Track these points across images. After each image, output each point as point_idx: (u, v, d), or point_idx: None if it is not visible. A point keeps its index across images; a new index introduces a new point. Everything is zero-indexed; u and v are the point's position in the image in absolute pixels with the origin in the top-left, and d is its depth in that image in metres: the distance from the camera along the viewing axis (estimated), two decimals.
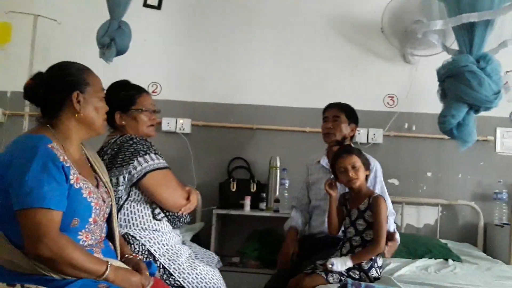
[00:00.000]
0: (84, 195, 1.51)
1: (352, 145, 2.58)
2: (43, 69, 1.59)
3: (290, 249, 2.49)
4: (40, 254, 1.36)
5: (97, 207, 1.56)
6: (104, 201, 1.61)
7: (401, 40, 3.36)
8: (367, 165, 2.18)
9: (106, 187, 1.68)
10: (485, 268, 2.52)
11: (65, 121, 1.55)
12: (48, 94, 1.53)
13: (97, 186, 1.63)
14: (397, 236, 2.31)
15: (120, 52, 3.06)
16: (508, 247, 2.81)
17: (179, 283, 1.92)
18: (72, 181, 1.47)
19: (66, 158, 1.48)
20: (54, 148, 1.45)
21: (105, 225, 1.64)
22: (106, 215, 1.64)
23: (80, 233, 1.50)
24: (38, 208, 1.36)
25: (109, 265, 1.45)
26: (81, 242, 1.49)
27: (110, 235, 1.68)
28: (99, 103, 1.61)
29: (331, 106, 2.68)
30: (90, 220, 1.53)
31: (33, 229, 1.36)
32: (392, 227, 2.39)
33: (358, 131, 3.29)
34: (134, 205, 1.98)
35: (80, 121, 1.57)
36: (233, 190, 3.27)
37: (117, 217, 1.77)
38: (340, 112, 2.62)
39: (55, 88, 1.53)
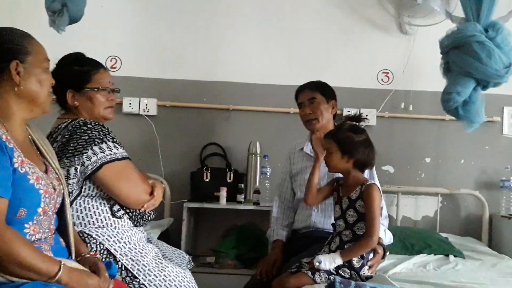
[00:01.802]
0: (31, 181, 1.48)
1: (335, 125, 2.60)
2: None
3: (276, 259, 2.50)
4: None
5: (47, 195, 1.52)
6: (54, 189, 1.58)
7: (398, 7, 3.38)
8: (350, 152, 2.14)
9: (56, 173, 1.65)
10: (490, 265, 2.58)
11: (4, 96, 1.52)
12: None
13: (46, 172, 1.60)
14: (383, 241, 2.30)
15: (73, 20, 2.99)
16: None
17: (144, 287, 1.91)
18: (16, 165, 1.44)
19: (8, 138, 1.45)
20: None
21: (55, 216, 1.61)
22: (57, 205, 1.61)
23: (26, 225, 1.47)
24: None
25: (62, 265, 1.42)
26: (27, 236, 1.46)
27: (61, 230, 1.65)
28: (42, 75, 1.57)
29: (302, 89, 2.67)
30: (39, 210, 1.50)
31: None
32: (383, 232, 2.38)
33: (348, 111, 3.33)
34: (88, 201, 1.95)
35: (20, 95, 1.53)
36: (207, 180, 3.26)
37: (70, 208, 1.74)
38: (315, 92, 2.60)
39: None
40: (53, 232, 1.59)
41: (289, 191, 2.72)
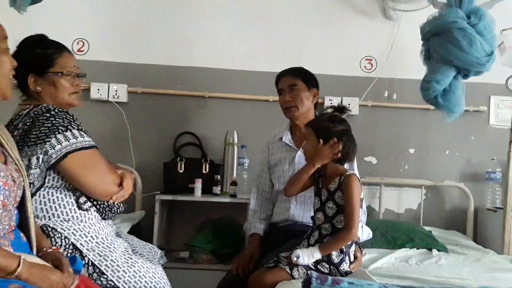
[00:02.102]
0: None
1: (317, 114, 2.62)
2: None
3: (253, 254, 2.50)
4: None
5: (6, 188, 1.51)
6: (14, 181, 1.56)
7: None
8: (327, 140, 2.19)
9: (16, 164, 1.63)
10: (474, 259, 2.63)
11: None
12: None
13: (5, 163, 1.58)
14: (359, 240, 2.33)
15: (36, 0, 2.94)
16: (501, 234, 2.91)
17: (112, 283, 1.90)
18: None
19: None
20: None
21: (16, 212, 1.60)
22: (18, 199, 1.60)
23: None
24: None
25: (21, 260, 1.41)
26: None
27: (22, 224, 1.63)
28: (1, 58, 1.55)
29: (283, 75, 2.68)
30: None
31: None
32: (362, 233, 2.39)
33: (330, 100, 3.35)
34: (52, 192, 1.93)
35: None
36: (181, 171, 3.25)
37: (31, 202, 1.71)
38: (296, 79, 2.61)
39: None
40: (14, 227, 1.58)
41: (268, 183, 2.73)
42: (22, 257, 1.42)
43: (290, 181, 2.31)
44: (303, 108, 2.59)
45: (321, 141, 2.18)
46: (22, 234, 1.61)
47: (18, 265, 1.40)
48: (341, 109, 2.30)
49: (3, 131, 1.68)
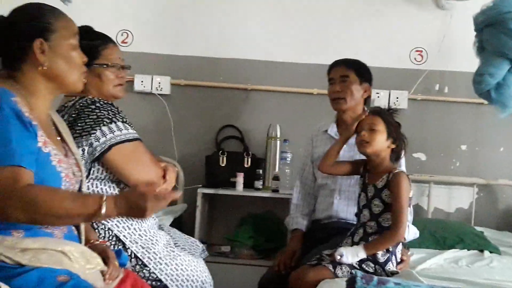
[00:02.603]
0: (53, 163, 1.52)
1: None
2: None
3: (295, 250, 2.52)
4: (10, 215, 1.37)
5: (67, 180, 1.56)
6: (74, 174, 1.62)
7: None
8: (394, 137, 2.17)
9: (75, 159, 1.68)
10: None
11: (29, 75, 1.55)
12: (8, 42, 1.53)
13: (66, 156, 1.63)
14: (409, 251, 2.32)
15: None
16: None
17: (154, 276, 1.95)
18: (40, 144, 1.48)
19: (31, 116, 1.49)
20: (18, 102, 1.47)
21: None
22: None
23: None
24: (6, 166, 1.37)
25: (104, 199, 1.44)
26: None
27: None
28: (70, 53, 1.59)
29: (336, 64, 2.66)
30: None
31: (3, 191, 1.36)
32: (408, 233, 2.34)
33: (377, 93, 3.32)
34: (97, 184, 1.98)
35: (46, 75, 1.56)
36: (223, 165, 3.28)
37: None
38: (349, 71, 2.60)
39: (15, 35, 1.54)
40: None
41: (310, 177, 2.73)
42: (104, 197, 1.45)
43: (324, 156, 2.34)
44: (352, 102, 2.57)
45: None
46: (73, 228, 1.65)
47: (101, 206, 1.43)
48: (393, 111, 2.27)
49: (62, 124, 1.73)
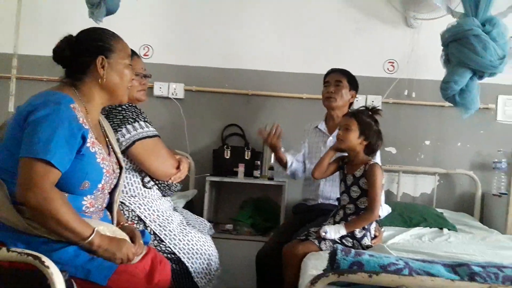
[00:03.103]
0: (98, 160, 1.55)
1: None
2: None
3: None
4: (27, 201, 1.37)
5: (108, 175, 1.59)
6: (114, 171, 1.64)
7: (404, 3, 3.32)
8: (366, 134, 2.16)
9: (117, 157, 1.70)
10: (480, 238, 2.56)
11: (89, 85, 1.59)
12: (74, 57, 1.57)
13: (109, 155, 1.65)
14: (382, 229, 2.32)
15: (110, 12, 3.01)
16: (505, 216, 2.84)
17: (170, 249, 1.96)
18: (88, 144, 1.51)
19: (85, 121, 1.52)
20: (75, 109, 1.49)
21: (108, 196, 1.67)
22: (111, 186, 1.67)
23: (85, 198, 1.53)
24: (40, 159, 1.38)
25: (95, 230, 1.46)
26: (83, 209, 1.52)
27: (109, 206, 1.70)
28: (124, 70, 1.64)
29: (333, 71, 2.71)
30: (99, 186, 1.56)
31: (28, 177, 1.38)
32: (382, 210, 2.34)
33: (356, 98, 3.30)
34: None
35: (103, 86, 1.60)
36: (227, 157, 3.28)
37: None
38: (343, 77, 2.64)
39: (81, 51, 1.58)
40: (104, 208, 1.65)
41: (300, 157, 2.73)
42: (96, 229, 1.47)
43: (316, 165, 2.29)
44: (340, 102, 2.61)
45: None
46: (108, 213, 1.68)
47: (92, 233, 1.45)
48: (375, 111, 2.26)
49: (109, 128, 1.75)
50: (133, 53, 2.14)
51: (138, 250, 1.58)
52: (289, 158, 2.64)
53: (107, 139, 1.69)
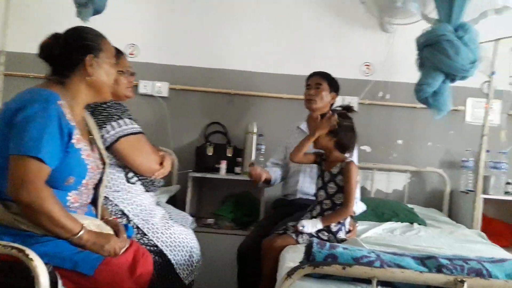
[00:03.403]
0: (83, 156, 1.53)
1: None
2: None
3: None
4: (20, 199, 1.36)
5: (92, 171, 1.58)
6: (98, 167, 1.62)
7: (380, 9, 3.34)
8: (333, 133, 2.17)
9: (100, 153, 1.68)
10: (448, 232, 2.60)
11: (76, 83, 1.57)
12: (63, 54, 1.55)
13: (92, 151, 1.63)
14: (356, 223, 2.34)
15: (97, 11, 2.95)
16: (471, 212, 2.90)
17: (152, 242, 1.94)
18: (74, 141, 1.49)
19: (71, 117, 1.50)
20: (62, 105, 1.47)
21: (93, 191, 1.66)
22: (96, 182, 1.65)
23: (70, 194, 1.51)
24: (32, 156, 1.37)
25: (84, 226, 1.45)
26: (68, 204, 1.50)
27: (93, 201, 1.69)
28: (110, 69, 1.63)
29: (314, 74, 2.73)
30: (84, 181, 1.54)
31: (20, 175, 1.36)
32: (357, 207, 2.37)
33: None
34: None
35: (90, 84, 1.58)
36: (210, 154, 3.27)
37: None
38: (323, 80, 2.66)
39: (71, 50, 1.56)
40: (88, 203, 1.64)
41: (282, 156, 2.77)
42: (84, 224, 1.46)
43: (295, 148, 2.28)
44: (320, 104, 2.63)
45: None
46: (93, 208, 1.67)
47: (81, 229, 1.44)
48: (348, 108, 2.29)
49: (94, 126, 1.73)
50: (120, 52, 2.13)
51: (122, 244, 1.57)
52: (272, 177, 2.65)
53: (90, 136, 1.68)
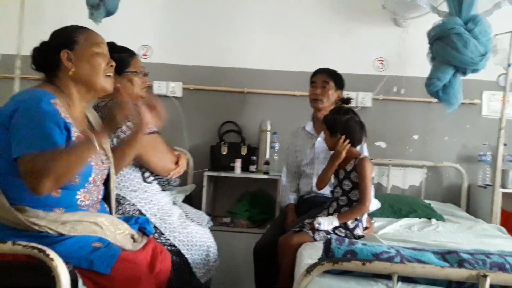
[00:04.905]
0: None
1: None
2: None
3: (294, 220, 2.50)
4: (44, 191, 1.35)
5: (97, 167, 1.57)
6: (102, 162, 1.61)
7: (392, 3, 3.30)
8: (337, 131, 2.14)
9: (104, 149, 1.67)
10: (467, 227, 2.57)
11: (63, 81, 1.56)
12: (45, 58, 1.56)
13: None
14: (372, 220, 2.32)
15: (109, 13, 2.97)
16: (490, 207, 2.85)
17: (169, 242, 1.95)
18: (73, 138, 1.48)
19: (67, 115, 1.49)
20: (57, 104, 1.47)
21: (102, 187, 1.65)
22: (104, 177, 1.65)
23: (78, 192, 1.51)
24: (28, 154, 1.36)
25: (92, 138, 1.44)
26: (78, 202, 1.50)
27: (106, 196, 1.68)
28: (93, 58, 1.57)
29: (320, 72, 2.66)
30: (90, 179, 1.54)
31: (35, 168, 1.34)
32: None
33: (347, 94, 3.29)
34: (123, 169, 1.97)
35: (75, 78, 1.56)
36: (224, 153, 3.27)
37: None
38: (329, 78, 2.61)
39: (48, 51, 1.55)
40: (100, 200, 1.63)
41: (294, 163, 2.73)
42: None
43: (319, 178, 2.25)
44: (327, 103, 2.58)
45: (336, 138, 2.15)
46: (106, 205, 1.66)
47: (92, 143, 1.43)
48: (346, 100, 2.25)
49: (97, 121, 1.72)
50: (133, 53, 2.14)
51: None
52: (293, 201, 2.64)
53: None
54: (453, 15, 2.46)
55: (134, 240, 1.61)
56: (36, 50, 1.58)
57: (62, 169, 1.36)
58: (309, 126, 2.68)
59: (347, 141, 2.13)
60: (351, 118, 2.17)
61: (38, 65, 1.58)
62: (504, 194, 2.94)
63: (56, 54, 1.53)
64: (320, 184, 2.26)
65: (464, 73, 2.51)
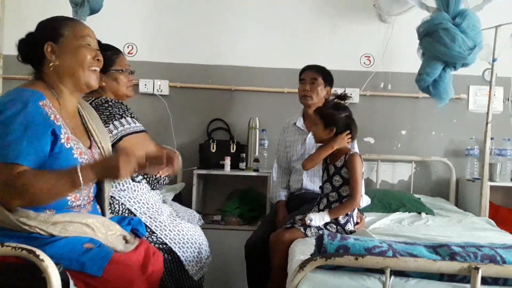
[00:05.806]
0: (75, 155, 1.48)
1: None
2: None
3: (285, 216, 2.50)
4: (17, 206, 1.34)
5: None
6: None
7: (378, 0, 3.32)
8: (331, 126, 2.14)
9: (99, 147, 1.64)
10: (456, 220, 2.60)
11: (50, 76, 1.52)
12: (28, 50, 1.52)
13: (90, 147, 1.59)
14: (363, 215, 2.33)
15: (93, 11, 2.94)
16: (478, 200, 2.89)
17: (161, 240, 1.94)
18: (62, 141, 1.44)
19: (58, 116, 1.45)
20: (45, 106, 1.42)
21: (94, 185, 1.61)
22: None
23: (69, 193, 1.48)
24: (10, 163, 1.33)
25: (78, 170, 1.38)
26: (69, 203, 1.48)
27: (98, 195, 1.65)
28: (77, 51, 1.53)
29: (308, 68, 2.67)
30: None
31: (4, 184, 1.33)
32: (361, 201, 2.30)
33: (335, 90, 3.30)
34: None
35: (59, 71, 1.51)
36: (213, 151, 3.26)
37: None
38: (318, 75, 2.61)
39: (33, 44, 1.51)
40: (92, 199, 1.59)
41: (285, 159, 2.74)
42: (77, 167, 1.39)
43: (309, 158, 2.25)
44: (316, 99, 2.59)
45: (334, 129, 2.14)
46: (98, 207, 1.63)
47: (79, 178, 1.37)
48: (343, 97, 2.25)
49: (93, 120, 1.68)
50: (119, 51, 2.12)
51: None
52: (283, 197, 2.64)
53: (88, 130, 1.63)
54: (441, 10, 2.48)
55: (127, 241, 1.59)
56: (21, 42, 1.54)
57: (39, 196, 1.34)
58: (300, 122, 2.69)
59: (349, 136, 2.14)
60: (349, 116, 2.19)
61: (24, 57, 1.55)
62: (492, 187, 2.98)
63: (40, 47, 1.49)
64: (308, 163, 2.22)
65: (455, 68, 2.54)
